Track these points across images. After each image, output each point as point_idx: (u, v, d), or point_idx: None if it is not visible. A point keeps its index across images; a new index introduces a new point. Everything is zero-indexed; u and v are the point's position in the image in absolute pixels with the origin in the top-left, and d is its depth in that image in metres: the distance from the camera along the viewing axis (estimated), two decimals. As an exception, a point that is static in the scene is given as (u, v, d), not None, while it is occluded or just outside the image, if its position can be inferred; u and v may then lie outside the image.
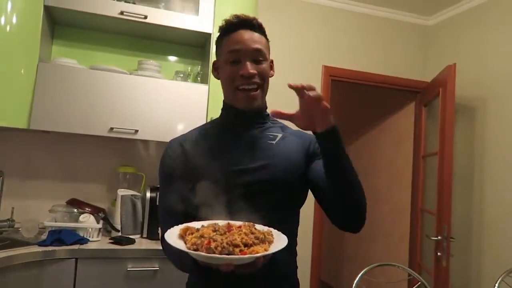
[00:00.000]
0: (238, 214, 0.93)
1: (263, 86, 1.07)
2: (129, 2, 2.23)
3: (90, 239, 2.00)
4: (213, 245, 0.76)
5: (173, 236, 0.84)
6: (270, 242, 0.83)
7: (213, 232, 0.82)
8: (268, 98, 1.13)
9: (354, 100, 4.54)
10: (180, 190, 1.03)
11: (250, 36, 1.06)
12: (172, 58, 2.59)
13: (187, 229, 0.86)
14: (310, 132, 0.96)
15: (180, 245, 0.80)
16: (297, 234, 1.11)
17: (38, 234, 1.98)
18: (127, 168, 2.39)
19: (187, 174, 1.03)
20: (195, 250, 0.77)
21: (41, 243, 1.83)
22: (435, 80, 2.88)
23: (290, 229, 1.00)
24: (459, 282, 2.79)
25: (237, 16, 1.08)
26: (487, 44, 2.77)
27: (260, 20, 1.10)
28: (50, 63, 2.14)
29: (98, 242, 2.00)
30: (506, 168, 2.56)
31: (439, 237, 2.51)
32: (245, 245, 0.78)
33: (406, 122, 3.55)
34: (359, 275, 1.90)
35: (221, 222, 0.88)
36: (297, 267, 1.11)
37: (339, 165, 0.92)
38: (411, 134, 3.42)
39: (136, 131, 2.16)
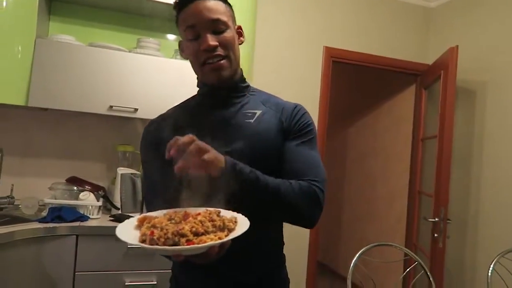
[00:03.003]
0: (214, 198, 0.87)
1: (229, 55, 1.01)
2: (128, -22, 2.19)
3: (91, 216, 2.01)
4: (156, 235, 0.73)
5: (128, 227, 0.82)
6: (231, 230, 0.78)
7: (167, 221, 0.78)
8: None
9: (354, 82, 4.52)
10: (162, 169, 0.99)
11: (204, 6, 0.97)
12: (172, 37, 2.55)
13: (144, 218, 0.83)
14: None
15: (130, 236, 0.78)
16: None
17: (38, 211, 1.99)
18: (127, 147, 2.38)
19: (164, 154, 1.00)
20: (143, 241, 0.75)
21: (42, 220, 1.84)
22: (437, 63, 2.85)
23: None
24: (454, 263, 2.84)
25: None
26: (489, 27, 2.74)
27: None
28: (48, 40, 2.10)
29: (98, 220, 2.01)
30: (504, 152, 2.57)
31: (436, 219, 2.54)
32: (196, 234, 0.74)
33: (405, 105, 3.55)
34: (357, 254, 1.92)
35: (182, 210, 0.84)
36: (283, 243, 1.10)
37: (253, 196, 0.89)
38: (410, 117, 3.41)
39: (136, 109, 2.15)
